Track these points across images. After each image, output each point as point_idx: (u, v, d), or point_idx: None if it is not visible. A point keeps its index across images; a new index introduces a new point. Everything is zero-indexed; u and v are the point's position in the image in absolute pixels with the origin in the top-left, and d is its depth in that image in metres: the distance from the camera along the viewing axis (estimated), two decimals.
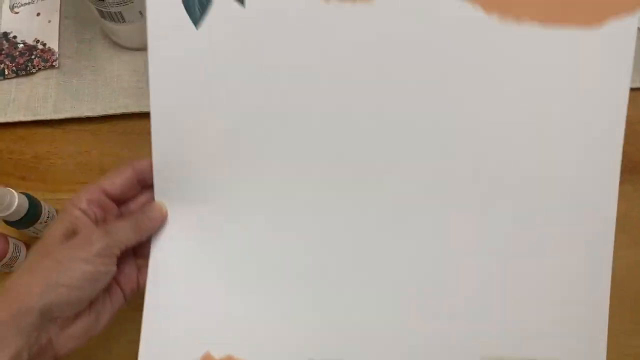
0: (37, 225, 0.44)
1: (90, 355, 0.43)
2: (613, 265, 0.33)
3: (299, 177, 0.33)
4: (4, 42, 0.54)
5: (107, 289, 0.31)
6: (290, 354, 0.33)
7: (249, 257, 0.33)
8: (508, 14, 0.31)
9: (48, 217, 0.45)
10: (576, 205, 0.33)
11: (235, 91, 0.32)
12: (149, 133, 0.52)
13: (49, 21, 0.55)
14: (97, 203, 0.32)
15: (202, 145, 0.33)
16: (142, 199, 0.34)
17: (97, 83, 0.52)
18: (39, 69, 0.52)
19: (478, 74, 0.32)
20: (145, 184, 0.34)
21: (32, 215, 0.43)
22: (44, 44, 0.53)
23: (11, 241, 0.44)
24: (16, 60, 0.53)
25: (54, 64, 0.53)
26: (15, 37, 0.54)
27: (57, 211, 0.48)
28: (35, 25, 0.54)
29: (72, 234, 0.31)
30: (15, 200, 0.41)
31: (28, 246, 0.46)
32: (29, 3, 0.55)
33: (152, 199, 0.33)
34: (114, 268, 0.31)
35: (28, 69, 0.52)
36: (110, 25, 0.49)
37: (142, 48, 0.54)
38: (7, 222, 0.43)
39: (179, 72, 0.32)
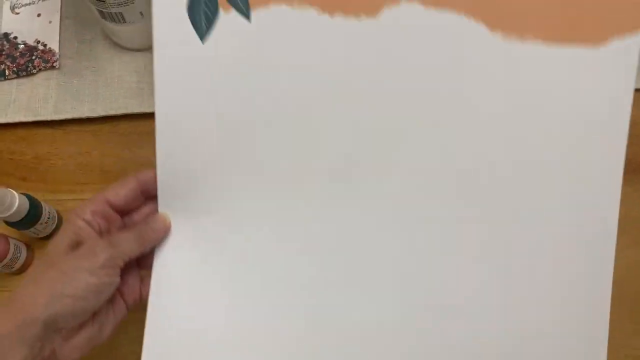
0: (38, 226, 0.44)
1: None
2: (613, 266, 0.33)
3: (303, 188, 0.33)
4: (5, 42, 0.54)
5: (111, 300, 0.32)
6: None
7: (253, 269, 0.34)
8: (512, 33, 0.31)
9: (48, 218, 0.45)
10: (578, 206, 0.33)
11: (240, 103, 0.32)
12: (149, 133, 0.52)
13: (50, 22, 0.55)
14: (101, 214, 0.32)
15: (207, 156, 0.33)
16: (145, 209, 0.35)
17: (98, 84, 0.52)
18: (40, 69, 0.52)
19: (480, 90, 0.32)
20: (148, 195, 0.34)
21: (32, 216, 0.43)
22: (45, 45, 0.54)
23: (12, 242, 0.44)
24: (17, 60, 0.53)
25: (54, 64, 0.53)
26: (15, 37, 0.54)
27: (57, 212, 0.48)
28: (35, 26, 0.54)
29: (76, 245, 0.31)
30: (15, 201, 0.41)
31: (29, 247, 0.46)
32: (29, 4, 0.55)
33: (156, 210, 0.34)
34: (118, 279, 0.31)
35: (29, 69, 0.52)
36: (110, 25, 0.49)
37: (143, 49, 0.54)
38: (7, 223, 0.43)
39: (184, 84, 0.32)
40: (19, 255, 0.45)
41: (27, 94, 0.52)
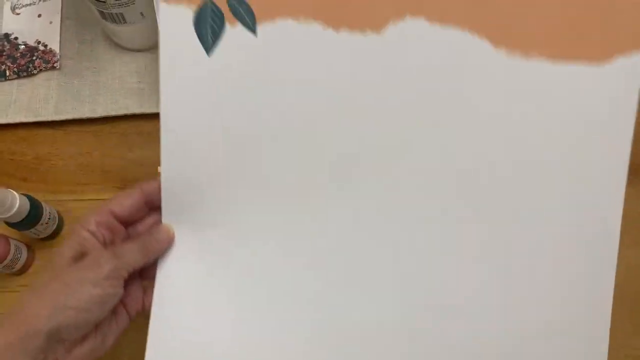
0: (38, 227, 0.44)
1: None
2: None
3: (309, 202, 0.33)
4: (5, 43, 0.54)
5: (113, 311, 0.32)
6: None
7: (259, 282, 0.34)
8: (516, 49, 0.31)
9: (49, 219, 0.45)
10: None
11: (246, 116, 0.32)
12: (150, 134, 0.52)
13: (50, 22, 0.55)
14: (105, 225, 0.32)
15: (212, 169, 0.33)
16: (149, 220, 0.35)
17: (98, 84, 0.52)
18: (40, 70, 0.53)
19: (484, 100, 0.32)
20: (152, 206, 0.34)
21: (33, 217, 0.43)
22: (45, 45, 0.54)
23: (12, 243, 0.44)
24: (17, 61, 0.53)
25: (55, 65, 0.53)
26: (16, 38, 0.54)
27: (58, 212, 0.48)
28: (36, 27, 0.54)
29: (80, 256, 0.31)
30: (16, 202, 0.41)
31: (29, 247, 0.47)
32: (30, 4, 0.56)
33: (160, 220, 0.34)
34: (122, 290, 0.31)
35: (29, 70, 0.52)
36: (111, 26, 0.49)
37: (144, 49, 0.54)
38: (8, 224, 0.43)
39: (190, 97, 0.32)
40: (19, 256, 0.45)
41: (28, 95, 0.52)
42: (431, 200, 0.33)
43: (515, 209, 0.33)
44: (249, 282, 0.33)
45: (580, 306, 0.33)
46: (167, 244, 0.33)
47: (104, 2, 0.46)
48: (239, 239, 0.33)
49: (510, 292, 0.33)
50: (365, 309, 0.34)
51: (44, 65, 0.53)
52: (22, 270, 0.46)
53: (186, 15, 0.31)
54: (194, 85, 0.32)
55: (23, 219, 0.42)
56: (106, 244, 0.32)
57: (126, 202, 0.33)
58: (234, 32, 0.31)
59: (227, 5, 0.31)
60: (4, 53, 0.53)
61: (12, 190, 0.42)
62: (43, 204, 0.45)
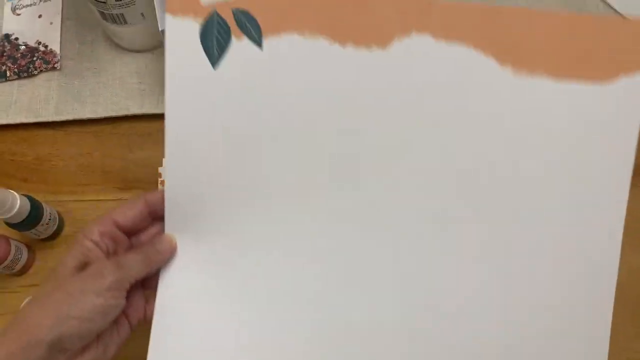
0: (39, 227, 0.44)
1: None
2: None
3: (309, 202, 0.33)
4: (6, 43, 0.54)
5: (115, 321, 0.32)
6: None
7: (261, 288, 0.34)
8: (522, 68, 0.32)
9: (49, 219, 0.45)
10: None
11: (250, 128, 0.32)
12: (150, 134, 0.52)
13: (51, 23, 0.55)
14: (108, 235, 0.32)
15: (215, 179, 0.33)
16: (152, 230, 0.35)
17: (99, 85, 0.52)
18: (41, 70, 0.53)
19: (487, 122, 0.32)
20: (156, 216, 0.34)
21: (33, 218, 0.43)
22: (46, 46, 0.54)
23: (13, 243, 0.44)
24: (18, 62, 0.53)
25: (55, 65, 0.53)
26: (17, 38, 0.54)
27: (58, 213, 0.48)
28: (37, 27, 0.54)
29: (84, 265, 0.31)
30: (17, 203, 0.41)
31: (30, 248, 0.47)
32: (30, 5, 0.56)
33: (163, 230, 0.34)
34: (124, 301, 0.31)
35: (30, 70, 0.52)
36: (112, 27, 0.49)
37: (144, 50, 0.54)
38: (8, 224, 0.43)
39: (195, 109, 0.32)
40: (20, 256, 0.45)
41: (29, 95, 0.52)
42: (431, 200, 0.33)
43: (515, 209, 0.33)
44: (251, 289, 0.34)
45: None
46: (170, 254, 0.33)
47: (104, 2, 0.45)
48: (240, 246, 0.34)
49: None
50: (365, 309, 0.34)
51: (44, 65, 0.53)
52: (23, 271, 0.46)
53: (192, 28, 0.31)
54: (199, 97, 0.32)
55: (23, 220, 0.42)
56: (109, 254, 0.32)
57: (130, 212, 0.33)
58: (240, 46, 0.32)
59: (233, 19, 0.31)
60: (5, 54, 0.53)
61: (12, 191, 0.42)
62: (43, 205, 0.45)
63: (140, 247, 0.33)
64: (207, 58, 0.31)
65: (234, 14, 0.31)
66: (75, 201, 0.49)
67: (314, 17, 0.31)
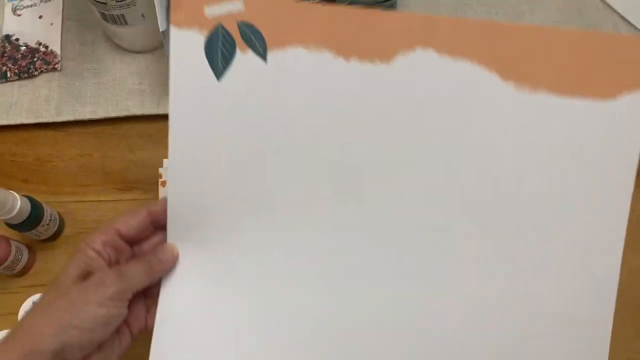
0: (39, 228, 0.44)
1: None
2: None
3: (313, 215, 0.33)
4: (7, 44, 0.54)
5: (116, 330, 0.32)
6: None
7: (263, 301, 0.34)
8: (524, 84, 0.32)
9: (50, 220, 0.45)
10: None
11: (254, 141, 0.33)
12: (151, 135, 0.52)
13: (51, 24, 0.55)
14: (111, 244, 0.32)
15: (218, 191, 0.33)
16: (155, 239, 0.35)
17: (100, 85, 0.52)
18: (41, 71, 0.53)
19: (491, 137, 0.32)
20: (158, 225, 0.34)
21: (34, 218, 0.43)
22: (46, 47, 0.54)
23: (13, 244, 0.44)
24: (18, 62, 0.53)
25: (56, 66, 0.53)
26: (17, 39, 0.54)
27: (59, 214, 0.48)
28: (37, 28, 0.54)
29: (86, 275, 0.31)
30: (17, 203, 0.41)
31: (30, 249, 0.47)
32: (31, 6, 0.56)
33: (165, 239, 0.34)
34: (126, 311, 0.31)
35: (30, 71, 0.52)
36: (112, 27, 0.50)
37: (144, 51, 0.54)
38: (9, 225, 0.43)
39: (198, 120, 0.32)
40: (20, 257, 0.45)
41: (29, 96, 0.52)
42: (435, 214, 0.33)
43: (519, 224, 0.33)
44: (253, 301, 0.34)
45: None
46: (172, 264, 0.33)
47: (105, 3, 0.46)
48: (243, 257, 0.34)
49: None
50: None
51: (45, 66, 0.53)
52: (23, 272, 0.46)
53: (197, 40, 0.31)
54: (202, 109, 0.32)
55: (24, 221, 0.42)
56: (111, 263, 0.32)
57: (132, 222, 0.33)
58: (244, 58, 0.32)
59: (238, 32, 0.31)
60: (5, 54, 0.53)
61: (13, 192, 0.42)
62: (44, 205, 0.45)
63: (143, 257, 0.33)
64: (211, 70, 0.32)
65: (239, 27, 0.31)
66: (75, 202, 0.49)
67: (319, 31, 0.32)
